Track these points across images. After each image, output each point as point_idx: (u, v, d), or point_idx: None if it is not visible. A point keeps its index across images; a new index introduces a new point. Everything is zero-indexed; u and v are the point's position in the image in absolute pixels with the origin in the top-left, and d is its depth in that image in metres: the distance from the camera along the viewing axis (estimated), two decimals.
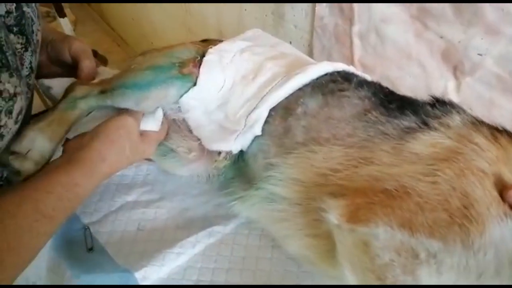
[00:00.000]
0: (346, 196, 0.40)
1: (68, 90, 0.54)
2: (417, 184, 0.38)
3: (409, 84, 0.77)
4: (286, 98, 0.51)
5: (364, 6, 0.78)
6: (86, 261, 0.49)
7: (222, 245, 0.51)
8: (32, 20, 0.48)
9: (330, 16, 0.86)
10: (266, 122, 0.50)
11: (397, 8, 0.74)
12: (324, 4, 0.85)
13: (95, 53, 2.36)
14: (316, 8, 0.86)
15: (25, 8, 0.46)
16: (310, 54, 0.92)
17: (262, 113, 0.50)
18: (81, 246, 0.51)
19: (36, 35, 0.49)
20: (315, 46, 0.91)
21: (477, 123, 0.43)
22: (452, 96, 0.70)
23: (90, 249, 0.50)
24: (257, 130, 0.50)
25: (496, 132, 0.42)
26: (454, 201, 0.36)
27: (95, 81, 0.57)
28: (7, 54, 0.42)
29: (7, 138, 0.43)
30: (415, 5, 0.70)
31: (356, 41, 0.83)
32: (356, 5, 0.79)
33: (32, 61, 0.48)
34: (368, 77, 0.55)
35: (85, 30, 2.27)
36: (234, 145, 0.51)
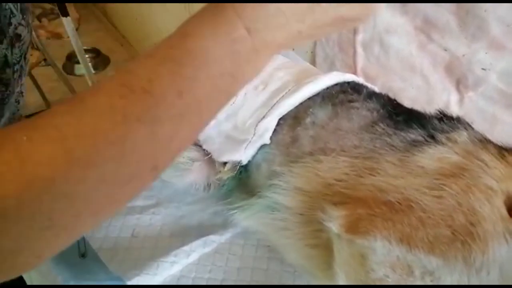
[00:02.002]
0: (348, 205, 0.40)
1: None
2: (421, 198, 0.37)
3: (411, 95, 0.76)
4: (296, 107, 0.50)
5: None
6: (78, 267, 0.48)
7: (217, 254, 0.50)
8: (12, 12, 0.45)
9: None
10: (273, 131, 0.50)
11: (401, 19, 0.73)
12: None
13: (98, 52, 2.38)
14: None
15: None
16: (313, 62, 0.92)
17: (272, 122, 0.50)
18: (73, 251, 0.50)
19: (16, 28, 0.46)
20: (317, 54, 0.91)
21: (484, 141, 0.43)
22: (455, 110, 0.70)
23: (83, 255, 0.49)
24: (267, 139, 0.49)
25: (503, 150, 0.41)
26: (459, 217, 0.36)
27: None
28: None
29: None
30: (419, 17, 0.70)
31: (360, 51, 0.82)
32: None
33: (8, 55, 0.45)
34: (376, 89, 0.55)
35: (89, 29, 2.27)
36: (245, 155, 0.50)
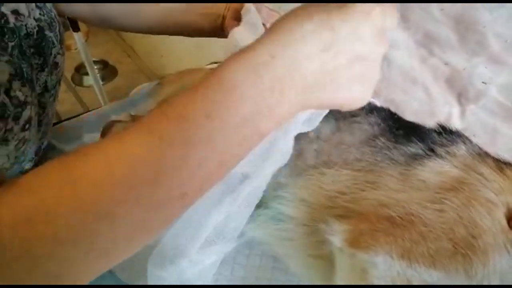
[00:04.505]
0: (351, 220, 0.40)
1: (105, 129, 0.55)
2: (423, 212, 0.38)
3: (414, 108, 0.78)
4: None
5: None
6: None
7: (222, 264, 0.51)
8: (53, 43, 0.50)
9: None
10: None
11: (403, 34, 0.75)
12: None
13: (106, 64, 2.43)
14: None
15: (46, 32, 0.49)
16: None
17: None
18: None
19: (55, 57, 0.51)
20: None
21: (483, 154, 0.44)
22: (456, 122, 0.71)
23: None
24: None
25: (501, 163, 0.42)
26: (460, 230, 0.36)
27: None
28: (23, 65, 0.44)
29: (12, 143, 0.43)
30: (420, 32, 0.72)
31: None
32: None
33: (48, 81, 0.50)
34: (378, 103, 0.56)
35: (97, 41, 2.32)
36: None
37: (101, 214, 0.24)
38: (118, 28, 0.63)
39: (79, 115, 0.74)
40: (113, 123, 0.55)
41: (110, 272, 0.49)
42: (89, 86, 1.75)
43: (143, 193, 0.24)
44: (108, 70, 2.10)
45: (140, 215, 0.25)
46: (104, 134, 0.54)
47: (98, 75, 1.50)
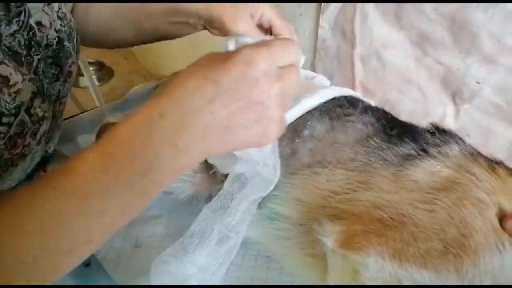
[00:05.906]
0: (344, 221, 0.40)
1: (100, 131, 0.55)
2: (414, 212, 0.38)
3: (409, 108, 0.78)
4: (295, 120, 0.52)
5: (366, 30, 0.80)
6: (82, 277, 0.49)
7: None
8: (70, 53, 0.51)
9: (332, 38, 0.88)
10: None
11: (398, 34, 0.75)
12: (327, 27, 0.87)
13: (102, 65, 2.41)
14: (319, 30, 0.88)
15: (65, 43, 0.49)
16: None
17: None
18: None
19: (70, 66, 0.52)
20: (317, 67, 0.93)
21: (475, 154, 0.44)
22: (451, 122, 0.71)
23: (87, 265, 0.50)
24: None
25: (493, 163, 0.42)
26: (451, 230, 0.37)
27: None
28: (44, 82, 0.45)
29: (29, 157, 0.44)
30: (415, 32, 0.72)
31: (358, 64, 0.84)
32: (357, 29, 0.81)
33: (60, 90, 0.51)
34: (372, 103, 0.57)
35: None
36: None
37: (15, 259, 0.27)
38: (102, 46, 0.63)
39: (74, 115, 0.74)
40: (108, 125, 0.55)
41: (107, 276, 0.49)
42: (85, 87, 1.74)
43: (50, 240, 0.28)
44: (104, 71, 2.09)
45: (52, 258, 0.29)
46: (99, 135, 0.54)
47: (94, 76, 1.50)
